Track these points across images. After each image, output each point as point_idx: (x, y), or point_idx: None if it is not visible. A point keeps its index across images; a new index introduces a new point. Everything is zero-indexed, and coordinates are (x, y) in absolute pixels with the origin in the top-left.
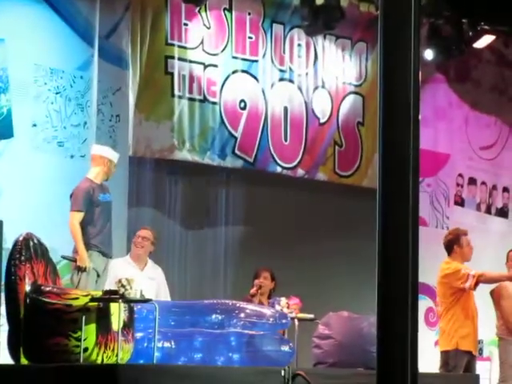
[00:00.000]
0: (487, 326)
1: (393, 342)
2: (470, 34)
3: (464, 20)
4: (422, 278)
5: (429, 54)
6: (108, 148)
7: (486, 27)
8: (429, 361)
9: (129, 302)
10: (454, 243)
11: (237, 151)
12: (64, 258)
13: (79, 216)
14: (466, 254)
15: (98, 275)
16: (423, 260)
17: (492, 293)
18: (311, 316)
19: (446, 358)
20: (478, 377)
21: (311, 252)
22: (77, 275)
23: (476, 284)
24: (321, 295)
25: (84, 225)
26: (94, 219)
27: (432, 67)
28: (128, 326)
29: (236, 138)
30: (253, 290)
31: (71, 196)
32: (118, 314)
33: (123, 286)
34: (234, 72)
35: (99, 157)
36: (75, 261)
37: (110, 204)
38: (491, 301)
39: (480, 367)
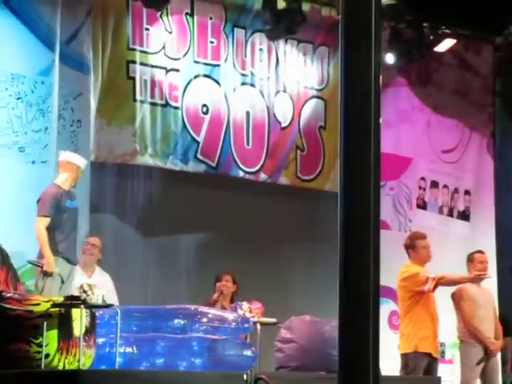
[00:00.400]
0: (450, 329)
1: (354, 345)
2: (431, 37)
3: (425, 24)
4: (385, 281)
5: (390, 58)
6: (77, 155)
7: (447, 31)
8: (393, 364)
9: (90, 307)
10: (409, 247)
11: (199, 156)
12: (30, 263)
13: (46, 221)
14: (423, 257)
15: (63, 281)
16: (386, 263)
17: (453, 295)
18: (273, 320)
19: (406, 360)
20: (439, 379)
21: (274, 256)
22: (42, 280)
23: (436, 286)
24: (283, 299)
25: (50, 230)
26: (60, 225)
27: (394, 71)
28: (90, 331)
29: (198, 143)
30: (215, 296)
31: (38, 201)
32: (79, 319)
33: (85, 291)
34: (195, 76)
35: (67, 163)
36: (42, 266)
37: (77, 211)
38: (452, 303)
39: (442, 370)
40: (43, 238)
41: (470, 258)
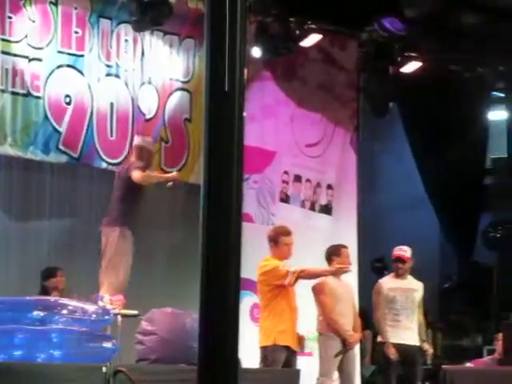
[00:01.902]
0: (310, 322)
1: (214, 337)
2: (298, 32)
3: (291, 18)
4: (248, 273)
5: (256, 52)
6: None
7: (313, 26)
8: (256, 356)
9: None
10: (272, 241)
11: (61, 146)
12: None
13: None
14: (284, 254)
15: None
16: (249, 256)
17: (313, 288)
18: (135, 312)
19: (265, 353)
20: (298, 372)
21: (136, 249)
22: None
23: (296, 280)
24: (145, 291)
25: None
26: None
27: (259, 65)
28: None
29: (60, 133)
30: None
31: None
32: None
33: None
34: (58, 66)
35: None
36: None
37: None
38: (313, 296)
39: (302, 362)
40: None
41: (333, 252)
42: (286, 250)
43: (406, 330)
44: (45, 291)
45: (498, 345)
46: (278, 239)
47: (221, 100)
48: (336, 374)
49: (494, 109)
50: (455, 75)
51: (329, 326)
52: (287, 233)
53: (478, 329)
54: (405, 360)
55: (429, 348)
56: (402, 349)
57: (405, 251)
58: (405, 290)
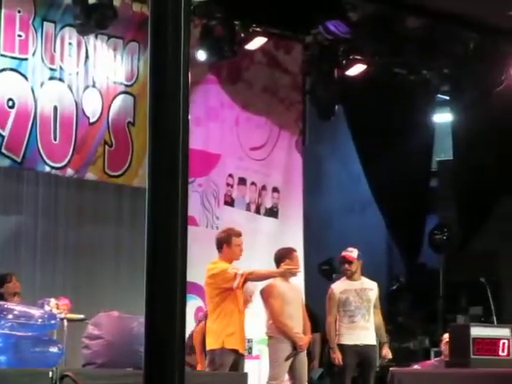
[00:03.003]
0: (257, 325)
1: (160, 341)
2: (242, 35)
3: (236, 22)
4: (192, 277)
5: (201, 55)
6: None
7: (258, 29)
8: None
9: None
10: (225, 242)
11: (3, 150)
12: None
13: None
14: (236, 255)
15: None
16: (193, 259)
17: (262, 292)
18: (81, 316)
19: (213, 356)
20: (246, 375)
21: (82, 252)
22: None
23: (244, 282)
24: (91, 296)
25: None
26: None
27: (204, 68)
28: None
29: (3, 137)
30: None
31: None
32: None
33: None
34: (1, 70)
35: None
36: None
37: None
38: (261, 300)
39: (249, 366)
40: None
41: (282, 255)
42: (237, 250)
43: (363, 331)
44: (2, 298)
45: (445, 347)
46: (231, 240)
47: (164, 103)
48: (286, 377)
49: (439, 111)
50: (400, 78)
51: (278, 328)
52: (238, 234)
53: (425, 331)
54: (361, 361)
55: (388, 352)
56: (358, 350)
57: (350, 252)
58: (358, 291)
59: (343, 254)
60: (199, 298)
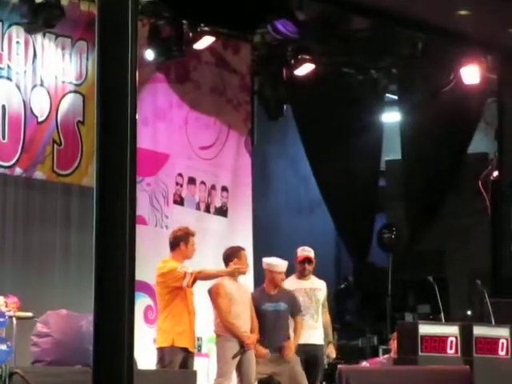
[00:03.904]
0: (206, 324)
1: (109, 339)
2: (191, 35)
3: (184, 21)
4: (141, 275)
5: (149, 55)
6: None
7: (206, 29)
8: (148, 358)
9: None
10: (182, 240)
11: None
12: None
13: None
14: (190, 253)
15: None
16: (142, 258)
17: (210, 291)
18: (30, 314)
19: (162, 354)
20: (195, 373)
21: (30, 251)
22: None
23: (194, 281)
24: (40, 294)
25: None
26: None
27: (152, 67)
28: None
29: None
30: None
31: None
32: None
33: None
34: None
35: None
36: None
37: None
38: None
39: (199, 363)
40: None
41: (230, 254)
42: (192, 250)
43: (311, 330)
44: None
45: (393, 344)
46: (188, 239)
47: (113, 102)
48: (234, 375)
49: (387, 111)
50: (348, 78)
51: (226, 327)
52: (193, 233)
53: (374, 329)
54: (308, 360)
55: (333, 351)
56: (306, 349)
57: (309, 251)
58: (308, 291)
59: (306, 254)
60: (148, 296)
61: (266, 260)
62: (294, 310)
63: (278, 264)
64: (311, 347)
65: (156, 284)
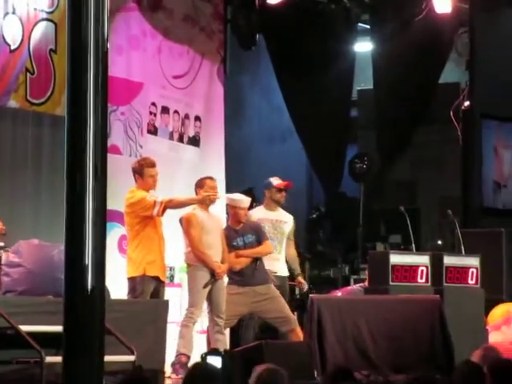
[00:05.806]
0: (178, 253)
1: (80, 269)
2: None
3: None
4: (115, 205)
5: None
6: None
7: None
8: (123, 288)
9: None
10: (137, 173)
11: None
12: None
13: None
14: (149, 185)
15: None
16: (116, 188)
17: (181, 220)
18: (1, 244)
19: (133, 283)
20: (167, 302)
21: (1, 181)
22: None
23: (164, 210)
24: (10, 224)
25: None
26: None
27: None
28: None
29: None
30: None
31: None
32: None
33: None
34: None
35: None
36: None
37: None
38: (181, 228)
39: (171, 293)
40: None
41: (201, 184)
42: (151, 181)
43: (274, 261)
44: None
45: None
46: (143, 171)
47: (83, 30)
48: (205, 304)
49: (359, 41)
50: (321, 7)
51: (197, 257)
52: (151, 164)
53: (345, 259)
54: None
55: (304, 283)
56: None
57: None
58: (274, 222)
59: (284, 182)
60: (122, 226)
61: (230, 196)
62: (261, 235)
63: (241, 199)
64: (275, 279)
65: (125, 214)
